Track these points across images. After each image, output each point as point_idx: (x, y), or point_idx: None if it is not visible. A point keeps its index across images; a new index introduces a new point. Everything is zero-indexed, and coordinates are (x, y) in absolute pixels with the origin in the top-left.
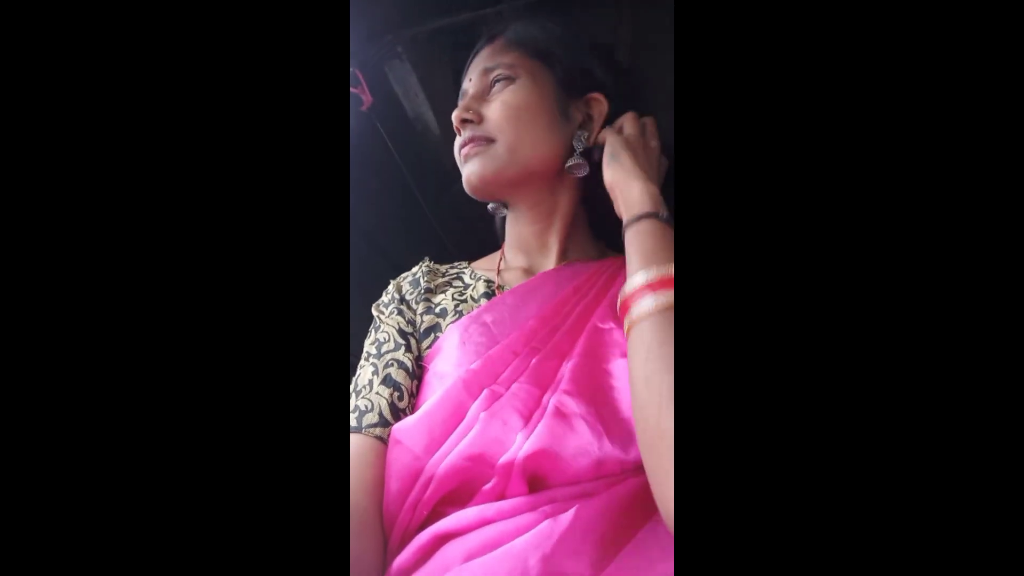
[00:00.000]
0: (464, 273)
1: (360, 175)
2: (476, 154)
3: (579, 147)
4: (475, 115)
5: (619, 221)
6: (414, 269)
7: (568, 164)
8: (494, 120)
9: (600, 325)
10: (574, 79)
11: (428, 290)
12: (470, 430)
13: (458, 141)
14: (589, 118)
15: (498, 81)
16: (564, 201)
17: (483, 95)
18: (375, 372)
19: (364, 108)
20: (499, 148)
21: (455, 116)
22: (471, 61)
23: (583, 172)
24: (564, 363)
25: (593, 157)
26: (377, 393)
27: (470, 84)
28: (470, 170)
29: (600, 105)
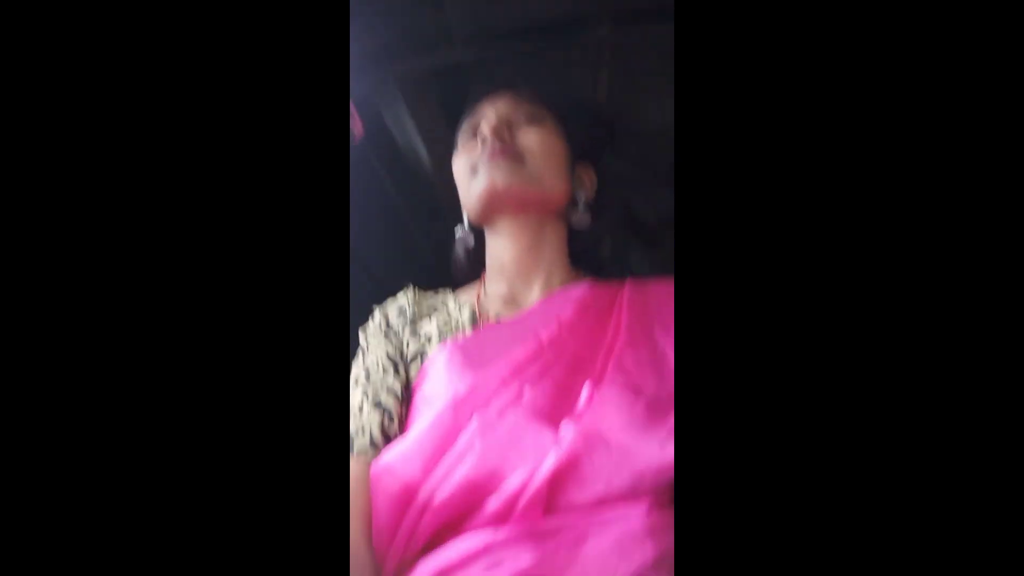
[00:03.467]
0: (448, 301)
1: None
2: (505, 164)
3: (580, 199)
4: (509, 134)
5: (596, 247)
6: (398, 295)
7: (575, 216)
8: (526, 145)
9: (622, 352)
10: (576, 143)
11: (413, 317)
12: (464, 458)
13: (469, 156)
14: (582, 181)
15: (525, 121)
16: (554, 235)
17: (511, 126)
18: (365, 397)
19: (355, 142)
20: (529, 169)
21: (489, 127)
22: (482, 99)
23: (586, 226)
24: (584, 385)
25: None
26: (368, 418)
27: (485, 120)
28: (495, 175)
29: (591, 176)
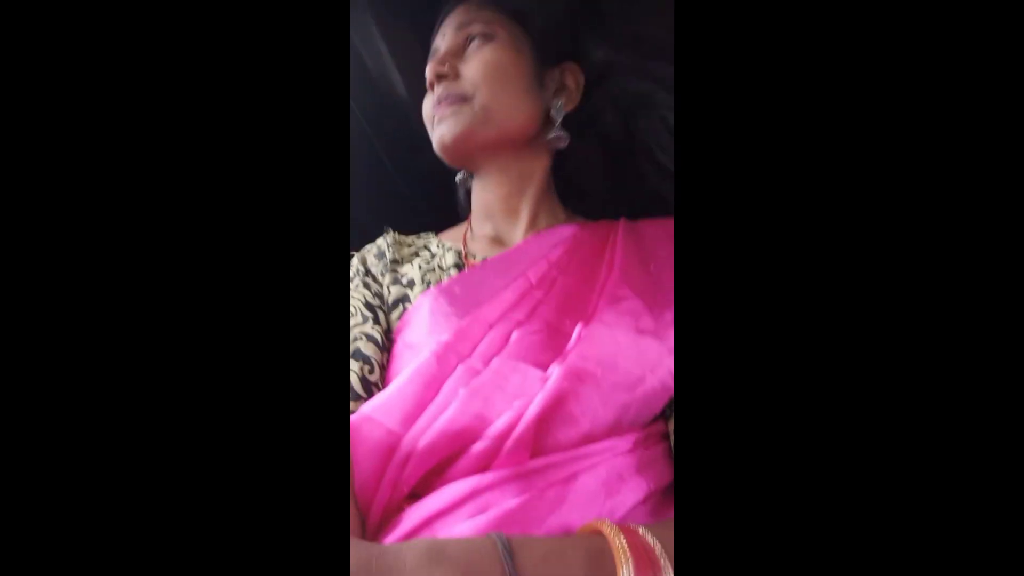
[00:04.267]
0: (431, 243)
1: None
2: (450, 114)
3: (558, 116)
4: (451, 69)
5: (586, 187)
6: (378, 240)
7: (550, 136)
8: (470, 77)
9: (615, 292)
10: (550, 44)
11: (394, 261)
12: (448, 406)
13: (429, 100)
14: (563, 87)
15: (475, 38)
16: (534, 168)
17: (459, 52)
18: None
19: None
20: (474, 107)
21: (429, 70)
22: (443, 18)
23: (564, 144)
24: (575, 325)
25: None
26: (349, 368)
27: (443, 40)
28: (442, 130)
29: (576, 75)
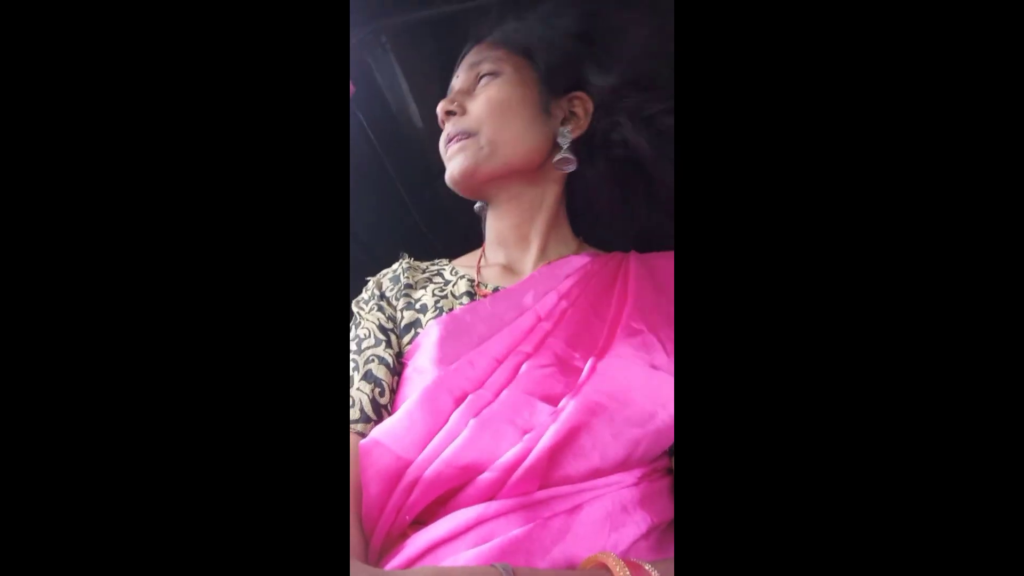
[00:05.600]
0: (444, 270)
1: None
2: (458, 149)
3: (564, 142)
4: (459, 107)
5: (598, 217)
6: (394, 266)
7: (556, 159)
8: (476, 113)
9: (630, 324)
10: (557, 76)
11: (408, 286)
12: (456, 436)
13: (443, 136)
14: (572, 115)
15: (483, 76)
16: (544, 197)
17: (469, 90)
18: (356, 368)
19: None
20: (480, 141)
21: (440, 108)
22: (460, 59)
23: (571, 167)
24: (587, 360)
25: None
26: (358, 389)
27: (457, 80)
28: (452, 166)
29: (584, 103)
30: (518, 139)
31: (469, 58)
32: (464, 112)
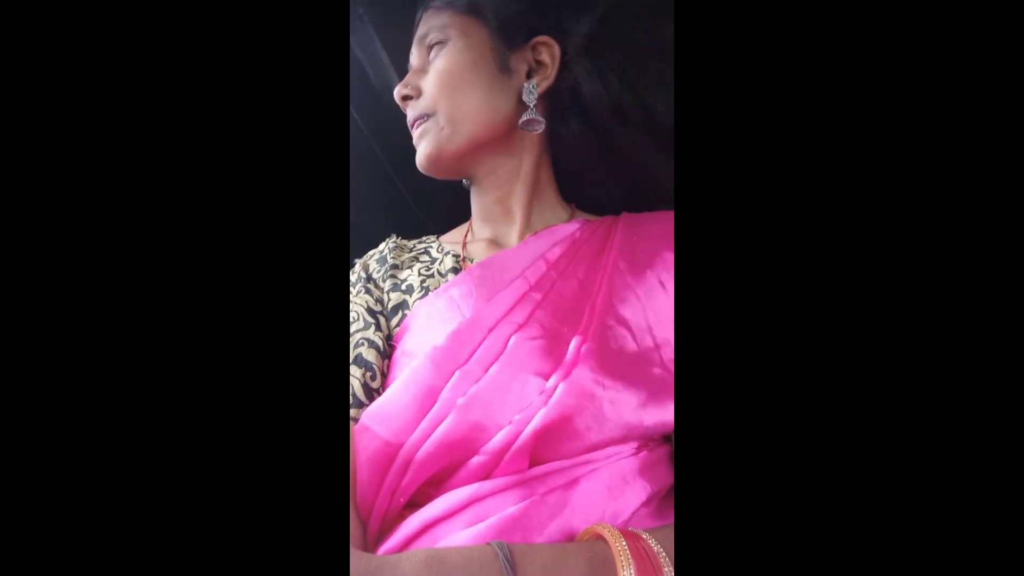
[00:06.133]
0: (431, 247)
1: None
2: (421, 135)
3: (530, 99)
4: (414, 89)
5: (587, 179)
6: (380, 246)
7: (521, 121)
8: (429, 92)
9: (615, 296)
10: (512, 27)
11: (394, 267)
12: (446, 415)
13: (408, 123)
14: (539, 64)
15: (433, 47)
16: (522, 166)
17: (423, 66)
18: None
19: None
20: (440, 122)
21: (396, 94)
22: (413, 33)
23: (539, 128)
24: (573, 336)
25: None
26: (349, 374)
27: (413, 58)
28: (419, 152)
29: (550, 48)
30: (478, 110)
31: (418, 31)
32: (419, 94)
